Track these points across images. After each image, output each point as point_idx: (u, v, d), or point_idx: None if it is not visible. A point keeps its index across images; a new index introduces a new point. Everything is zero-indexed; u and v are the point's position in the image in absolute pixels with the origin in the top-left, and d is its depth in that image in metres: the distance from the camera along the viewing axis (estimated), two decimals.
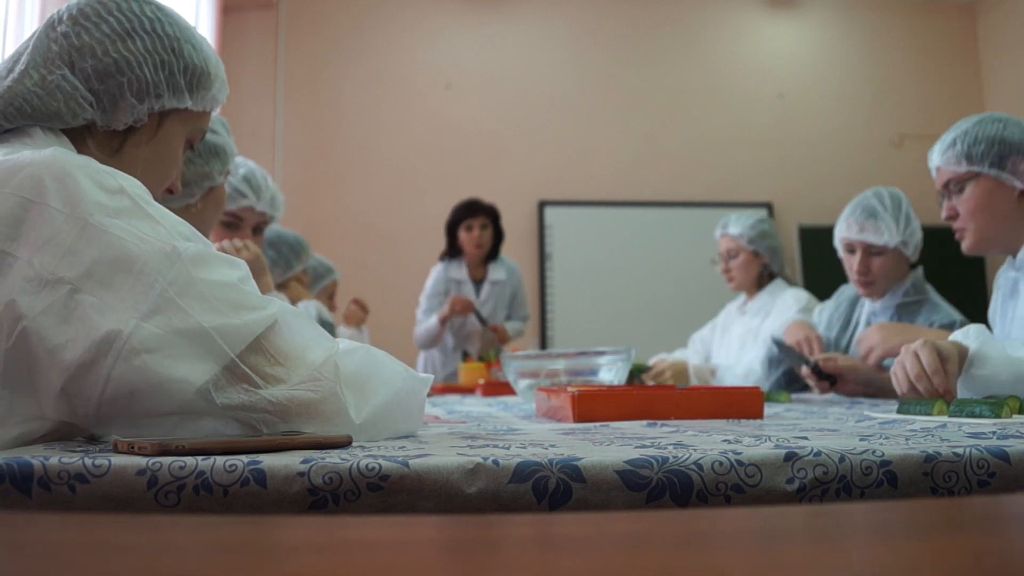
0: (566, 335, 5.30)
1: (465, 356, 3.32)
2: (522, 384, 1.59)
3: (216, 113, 1.15)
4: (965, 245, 1.70)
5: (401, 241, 5.14)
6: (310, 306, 2.23)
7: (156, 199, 0.89)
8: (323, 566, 0.31)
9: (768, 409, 1.34)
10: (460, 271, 3.69)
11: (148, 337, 0.76)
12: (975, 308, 1.83)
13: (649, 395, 1.24)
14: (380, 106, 5.40)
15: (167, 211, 0.87)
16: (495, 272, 3.72)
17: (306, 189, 5.18)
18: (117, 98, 0.97)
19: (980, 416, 1.07)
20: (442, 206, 3.84)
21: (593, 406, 1.15)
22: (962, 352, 1.32)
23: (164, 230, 0.83)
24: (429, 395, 1.04)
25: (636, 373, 2.43)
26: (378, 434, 0.87)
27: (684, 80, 5.65)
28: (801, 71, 5.75)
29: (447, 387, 2.88)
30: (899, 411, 1.21)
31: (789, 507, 0.63)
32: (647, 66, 5.65)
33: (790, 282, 2.84)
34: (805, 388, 2.12)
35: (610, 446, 0.78)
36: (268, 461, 0.64)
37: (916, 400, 1.22)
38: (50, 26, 0.98)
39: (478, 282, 3.70)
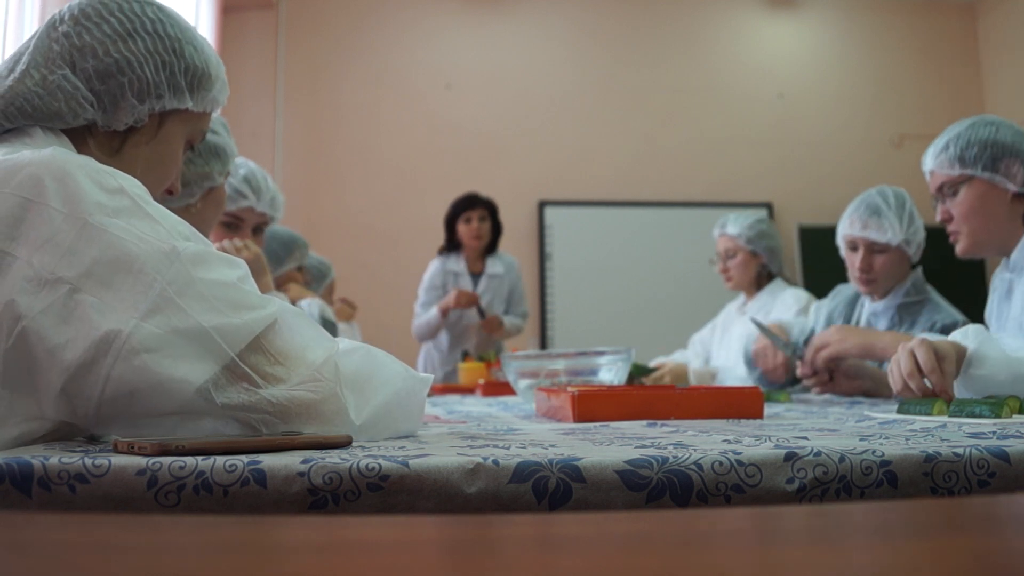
0: (566, 335, 5.30)
1: (465, 356, 3.32)
2: (522, 384, 1.59)
3: (216, 113, 1.15)
4: (959, 248, 1.71)
5: (401, 241, 5.14)
6: (313, 305, 2.23)
7: (156, 199, 0.89)
8: (323, 566, 0.31)
9: (768, 409, 1.34)
10: (458, 264, 3.72)
11: (148, 337, 0.76)
12: (976, 308, 1.83)
13: (649, 395, 1.24)
14: (380, 106, 5.40)
15: (167, 211, 0.87)
16: (493, 266, 3.74)
17: (306, 189, 5.18)
18: (118, 98, 0.97)
19: (980, 416, 1.07)
20: (442, 206, 3.84)
21: (593, 406, 1.15)
22: (960, 352, 1.32)
23: (164, 230, 0.83)
24: (429, 395, 1.04)
25: (637, 375, 2.43)
26: (378, 434, 0.87)
27: (684, 80, 5.65)
28: (801, 71, 5.75)
29: (447, 387, 2.88)
30: (899, 411, 1.21)
31: (789, 507, 0.63)
32: (647, 66, 5.65)
33: (790, 282, 2.84)
34: (798, 385, 2.11)
35: (610, 446, 0.78)
36: (268, 461, 0.64)
37: (916, 400, 1.22)
38: (51, 26, 0.98)
39: (476, 275, 3.73)
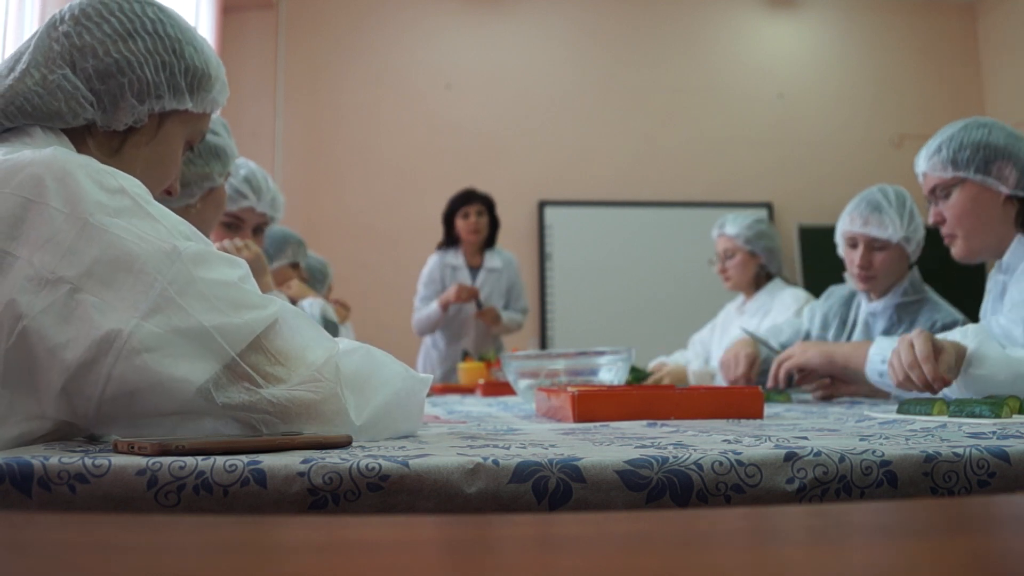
0: (566, 335, 5.30)
1: (465, 356, 3.33)
2: (522, 384, 1.59)
3: (216, 114, 1.15)
4: (957, 253, 1.72)
5: (401, 241, 5.14)
6: (315, 305, 2.23)
7: (155, 199, 0.89)
8: (323, 566, 0.31)
9: (768, 409, 1.34)
10: (457, 258, 3.77)
11: (148, 336, 0.76)
12: (975, 308, 1.83)
13: (649, 395, 1.24)
14: (380, 106, 5.40)
15: (167, 210, 0.87)
16: (491, 260, 3.79)
17: (306, 189, 5.18)
18: (118, 98, 0.97)
19: (980, 416, 1.07)
20: (442, 206, 3.86)
21: (593, 406, 1.15)
22: (960, 351, 1.32)
23: (164, 229, 0.83)
24: (429, 395, 1.04)
25: (635, 381, 2.42)
26: (378, 434, 0.87)
27: (684, 80, 5.65)
28: (801, 71, 5.75)
29: (447, 387, 2.88)
30: (899, 411, 1.21)
31: (789, 507, 0.63)
32: (647, 66, 5.65)
33: (788, 282, 2.84)
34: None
35: (610, 446, 0.78)
36: (268, 461, 0.64)
37: (916, 400, 1.22)
38: (52, 26, 0.98)
39: (474, 269, 3.77)
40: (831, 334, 2.19)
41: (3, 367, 0.78)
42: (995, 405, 1.07)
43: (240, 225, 1.95)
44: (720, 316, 2.95)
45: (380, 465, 0.64)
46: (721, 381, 2.56)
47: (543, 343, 5.29)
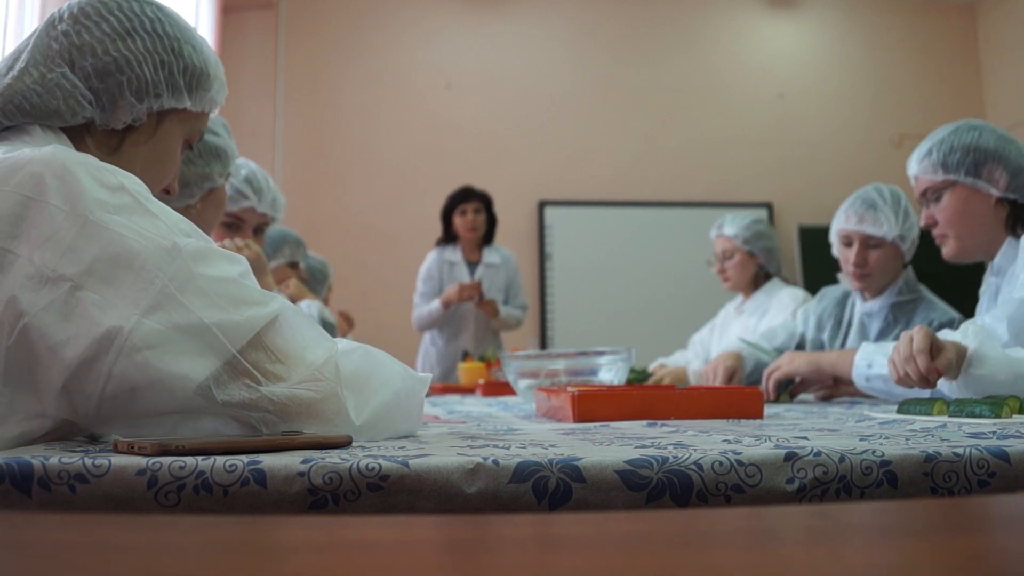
0: (566, 335, 5.30)
1: (465, 356, 3.34)
2: (522, 384, 1.59)
3: (216, 114, 1.15)
4: (947, 252, 1.73)
5: (401, 241, 5.13)
6: (312, 306, 2.24)
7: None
8: (323, 566, 0.31)
9: (768, 409, 1.34)
10: (455, 254, 3.81)
11: (149, 333, 0.76)
12: (973, 308, 1.83)
13: (649, 395, 1.24)
14: (380, 106, 5.40)
15: (167, 208, 0.88)
16: (490, 256, 3.84)
17: (306, 189, 5.18)
18: (116, 97, 0.97)
19: (980, 416, 1.07)
20: (442, 206, 3.86)
21: (593, 406, 1.15)
22: (960, 351, 1.32)
23: (164, 226, 0.83)
24: (429, 395, 1.04)
25: (636, 382, 2.43)
26: (378, 434, 0.87)
27: (684, 80, 5.65)
28: (801, 71, 5.75)
29: (447, 387, 2.88)
30: (899, 411, 1.21)
31: (789, 507, 0.63)
32: (647, 66, 5.64)
33: (787, 281, 2.84)
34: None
35: (610, 446, 0.78)
36: (268, 461, 0.64)
37: (916, 400, 1.22)
38: (50, 24, 0.98)
39: (473, 265, 3.81)
40: (826, 335, 2.19)
41: (4, 365, 0.78)
42: (995, 405, 1.07)
43: (241, 225, 1.96)
44: (719, 316, 2.95)
45: (380, 465, 0.64)
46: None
47: (543, 343, 5.29)
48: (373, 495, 0.63)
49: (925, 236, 2.06)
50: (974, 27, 5.87)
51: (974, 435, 0.84)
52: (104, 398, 0.77)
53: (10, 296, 0.78)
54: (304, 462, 0.64)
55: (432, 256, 3.85)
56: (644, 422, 1.10)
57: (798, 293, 2.69)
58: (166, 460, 0.63)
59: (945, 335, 1.37)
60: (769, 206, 5.54)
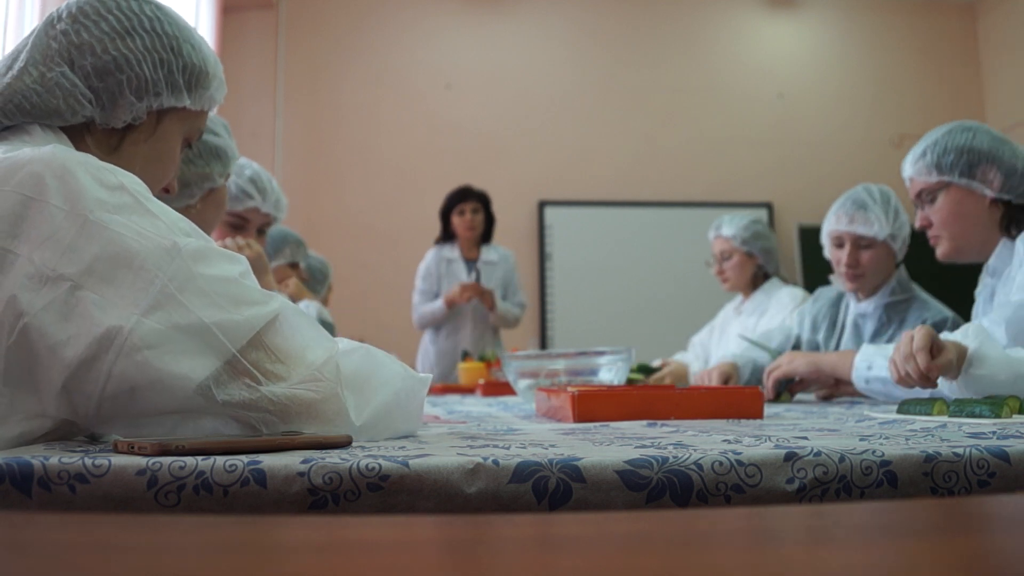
0: (566, 335, 5.30)
1: (465, 356, 3.35)
2: (522, 384, 1.59)
3: (216, 114, 1.15)
4: (939, 252, 1.74)
5: (401, 241, 5.13)
6: (311, 307, 2.24)
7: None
8: (323, 566, 0.31)
9: (768, 409, 1.34)
10: (453, 251, 3.86)
11: (149, 333, 0.76)
12: (968, 307, 1.84)
13: (649, 395, 1.24)
14: (380, 106, 5.40)
15: (167, 207, 0.87)
16: (487, 253, 3.88)
17: (306, 189, 5.18)
18: (116, 96, 0.97)
19: (980, 416, 1.07)
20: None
21: (593, 406, 1.15)
22: (961, 351, 1.32)
23: (164, 226, 0.83)
24: (429, 395, 1.04)
25: (644, 375, 2.43)
26: (378, 434, 0.87)
27: (684, 80, 5.65)
28: (801, 71, 5.75)
29: (447, 387, 2.88)
30: (899, 411, 1.21)
31: (789, 507, 0.63)
32: (647, 66, 5.64)
33: (786, 281, 2.84)
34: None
35: (610, 446, 0.78)
36: (268, 461, 0.64)
37: (916, 400, 1.22)
38: (49, 23, 0.98)
39: (471, 262, 3.86)
40: (821, 336, 2.19)
41: (4, 365, 0.78)
42: (995, 405, 1.07)
43: (245, 225, 1.96)
44: (718, 318, 2.95)
45: (380, 465, 0.64)
46: None
47: (543, 343, 5.29)
48: (373, 495, 0.63)
49: (920, 236, 2.06)
50: (974, 27, 5.87)
51: (974, 435, 0.84)
52: (104, 398, 0.77)
53: (10, 296, 0.78)
54: (304, 462, 0.64)
55: (430, 254, 3.89)
56: (644, 422, 1.10)
57: (797, 293, 2.69)
58: (166, 460, 0.63)
59: (945, 336, 1.37)
60: (769, 206, 5.54)
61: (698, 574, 0.30)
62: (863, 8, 5.83)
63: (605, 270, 5.41)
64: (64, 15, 0.97)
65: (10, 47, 2.51)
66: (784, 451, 0.69)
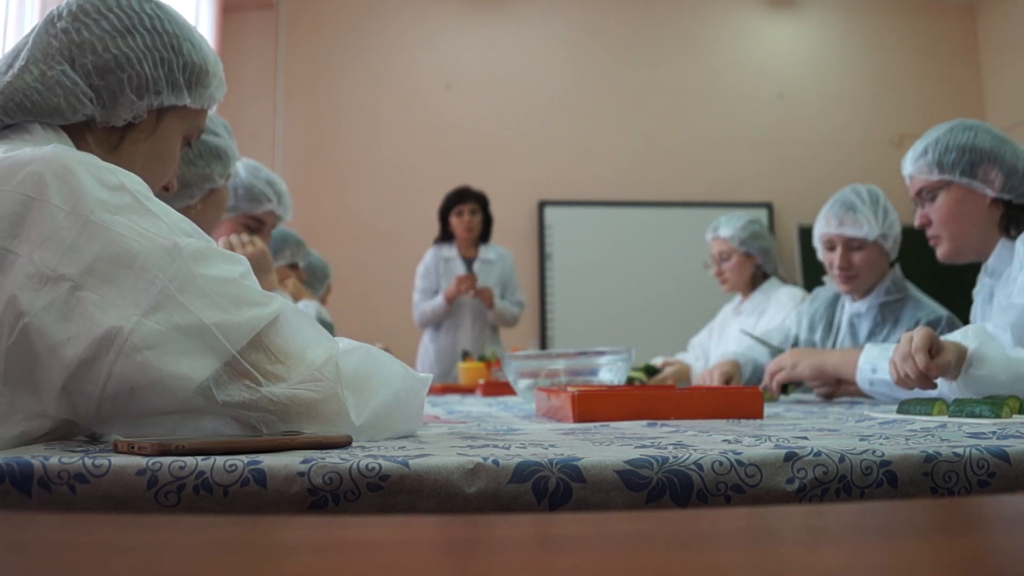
0: (566, 335, 5.30)
1: (465, 356, 3.35)
2: (522, 384, 1.59)
3: (216, 113, 1.15)
4: (940, 252, 1.73)
5: (401, 241, 5.13)
6: (310, 307, 2.24)
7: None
8: (323, 566, 0.31)
9: (768, 409, 1.34)
10: (451, 251, 3.90)
11: (149, 334, 0.76)
12: (965, 306, 1.83)
13: (649, 395, 1.24)
14: (380, 106, 5.40)
15: (168, 207, 0.88)
16: (485, 253, 3.92)
17: (306, 189, 5.17)
18: (117, 94, 0.97)
19: (980, 416, 1.07)
20: None
21: (593, 406, 1.15)
22: (960, 351, 1.32)
23: (165, 226, 0.83)
24: (428, 395, 1.04)
25: (648, 375, 2.43)
26: (378, 434, 0.87)
27: (684, 80, 5.65)
28: (801, 71, 5.75)
29: (447, 387, 2.88)
30: (899, 411, 1.21)
31: (789, 507, 0.63)
32: (647, 66, 5.64)
33: (784, 280, 2.84)
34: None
35: (610, 446, 0.78)
36: (268, 461, 0.64)
37: (916, 400, 1.22)
38: (50, 22, 0.97)
39: (469, 260, 3.89)
40: (817, 336, 2.19)
41: (4, 365, 0.78)
42: (995, 405, 1.07)
43: (260, 228, 1.95)
44: (718, 318, 2.95)
45: (380, 465, 0.64)
46: None
47: (543, 343, 5.29)
48: (373, 495, 0.63)
49: (917, 235, 2.06)
50: (974, 27, 5.87)
51: (974, 435, 0.84)
52: (104, 398, 0.77)
53: (10, 296, 0.78)
54: (304, 462, 0.64)
55: (429, 254, 3.93)
56: (644, 422, 1.10)
57: (796, 292, 2.69)
58: (166, 460, 0.63)
59: (945, 336, 1.37)
60: (769, 206, 5.54)
61: (698, 574, 0.30)
62: (863, 8, 5.83)
63: (605, 270, 5.41)
64: (65, 13, 0.97)
65: (10, 46, 2.51)
66: (784, 451, 0.69)
